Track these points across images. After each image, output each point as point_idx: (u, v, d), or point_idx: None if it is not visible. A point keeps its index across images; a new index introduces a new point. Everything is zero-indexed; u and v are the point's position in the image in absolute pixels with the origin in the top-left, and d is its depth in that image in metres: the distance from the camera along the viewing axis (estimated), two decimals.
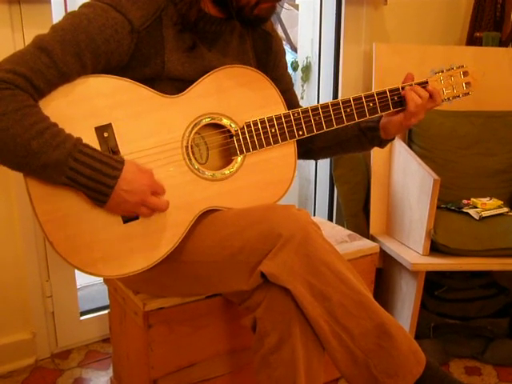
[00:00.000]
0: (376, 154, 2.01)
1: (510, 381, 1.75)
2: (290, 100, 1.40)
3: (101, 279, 1.99)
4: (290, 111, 1.23)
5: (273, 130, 1.22)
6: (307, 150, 1.44)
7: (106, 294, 1.56)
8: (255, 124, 1.21)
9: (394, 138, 1.37)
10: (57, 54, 1.02)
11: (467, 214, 1.82)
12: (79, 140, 1.03)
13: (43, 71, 1.01)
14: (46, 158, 0.98)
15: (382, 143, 1.37)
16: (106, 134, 1.09)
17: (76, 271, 1.83)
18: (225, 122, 1.20)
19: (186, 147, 1.17)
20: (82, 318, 1.92)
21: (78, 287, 1.91)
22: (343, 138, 1.39)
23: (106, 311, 1.91)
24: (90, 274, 1.09)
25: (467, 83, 1.35)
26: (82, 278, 2.00)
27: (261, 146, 1.22)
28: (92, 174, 1.02)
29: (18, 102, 0.98)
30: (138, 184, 1.06)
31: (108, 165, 1.03)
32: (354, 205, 2.09)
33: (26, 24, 1.55)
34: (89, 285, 2.22)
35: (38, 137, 0.98)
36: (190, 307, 1.32)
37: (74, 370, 1.79)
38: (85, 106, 1.08)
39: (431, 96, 1.28)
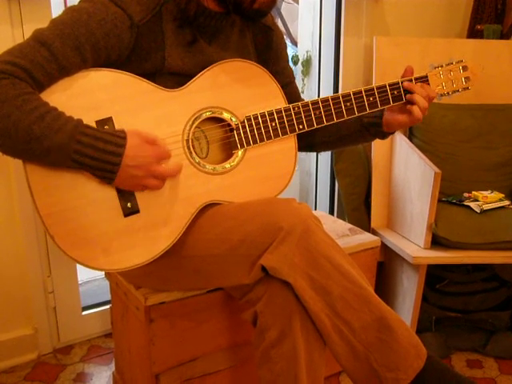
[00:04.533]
0: (377, 147, 2.01)
1: None
2: (292, 93, 1.40)
3: (102, 274, 1.99)
4: (291, 105, 1.23)
5: (273, 124, 1.22)
6: (308, 143, 1.44)
7: (108, 289, 1.56)
8: (255, 118, 1.21)
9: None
10: (56, 48, 1.02)
11: (468, 207, 1.82)
12: (80, 121, 1.03)
13: (43, 64, 1.01)
14: (49, 141, 0.98)
15: (384, 136, 1.37)
16: (106, 127, 1.08)
17: (77, 266, 1.83)
18: (225, 115, 1.20)
19: (187, 141, 1.16)
20: (84, 313, 1.93)
21: (80, 282, 1.91)
22: (345, 133, 1.39)
23: (107, 306, 1.92)
24: (92, 267, 1.09)
25: (466, 78, 1.34)
26: (83, 274, 2.00)
27: (261, 140, 1.21)
28: (96, 154, 1.02)
29: (17, 89, 0.98)
30: (142, 157, 1.06)
31: (111, 143, 1.03)
32: (355, 198, 2.09)
33: (25, 20, 1.55)
34: (90, 280, 2.23)
35: (38, 121, 0.98)
36: (191, 301, 1.32)
37: (77, 365, 1.80)
38: (85, 99, 1.08)
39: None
